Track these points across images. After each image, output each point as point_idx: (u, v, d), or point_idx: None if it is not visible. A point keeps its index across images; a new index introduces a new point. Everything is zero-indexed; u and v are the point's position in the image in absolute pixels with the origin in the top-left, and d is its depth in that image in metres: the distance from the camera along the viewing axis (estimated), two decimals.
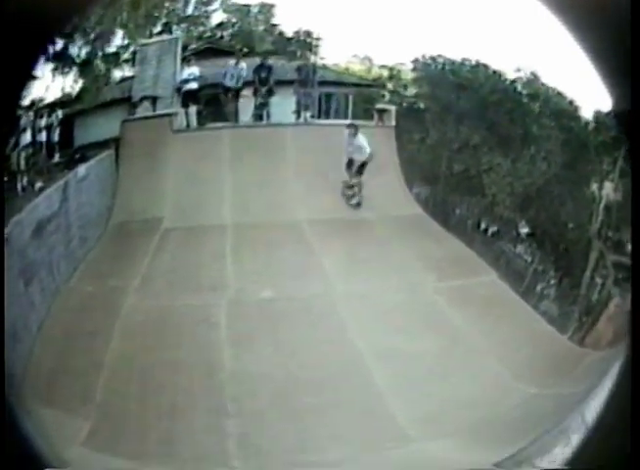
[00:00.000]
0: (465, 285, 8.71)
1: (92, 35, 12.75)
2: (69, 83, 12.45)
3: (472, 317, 8.40)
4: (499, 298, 9.16)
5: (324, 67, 13.23)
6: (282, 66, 13.00)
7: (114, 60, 13.25)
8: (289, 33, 14.54)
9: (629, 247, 10.19)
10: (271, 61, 12.95)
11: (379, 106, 13.04)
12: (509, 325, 8.64)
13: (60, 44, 12.21)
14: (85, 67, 12.59)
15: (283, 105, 12.63)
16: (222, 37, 14.59)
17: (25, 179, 11.49)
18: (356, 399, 7.26)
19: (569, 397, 6.01)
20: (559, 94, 11.94)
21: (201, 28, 14.70)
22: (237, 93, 12.62)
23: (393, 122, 12.49)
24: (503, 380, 7.57)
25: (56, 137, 12.44)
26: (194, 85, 12.65)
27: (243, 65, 12.73)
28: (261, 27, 14.58)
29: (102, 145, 11.98)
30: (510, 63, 12.16)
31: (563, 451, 4.45)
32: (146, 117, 12.42)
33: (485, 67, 12.12)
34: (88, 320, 8.76)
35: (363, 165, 12.64)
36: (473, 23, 11.28)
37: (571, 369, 7.89)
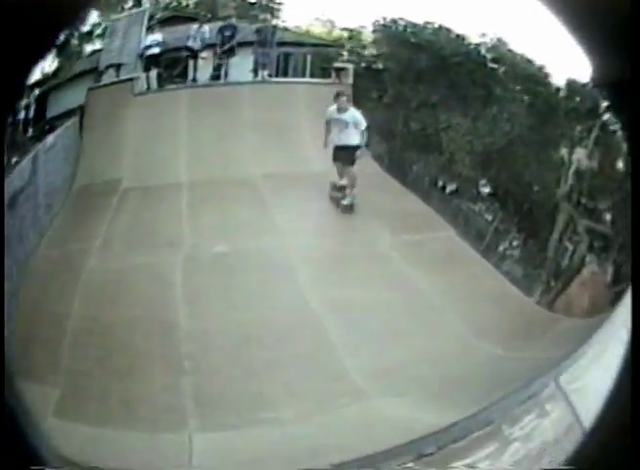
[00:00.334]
0: (422, 240, 8.60)
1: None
2: (48, 64, 12.38)
3: (429, 273, 8.30)
4: (458, 255, 9.07)
5: (285, 29, 13.01)
6: (243, 28, 12.72)
7: (87, 37, 13.13)
8: None
9: (608, 216, 10.20)
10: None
11: (336, 64, 12.63)
12: (469, 283, 8.54)
13: None
14: (63, 48, 12.47)
15: (242, 65, 12.45)
16: (187, 6, 14.36)
17: (5, 158, 11.18)
18: (310, 354, 7.20)
19: (539, 362, 5.94)
20: (528, 61, 11.80)
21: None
22: (197, 55, 12.43)
23: (351, 81, 12.21)
24: (464, 338, 7.47)
25: (31, 113, 12.15)
26: (156, 50, 12.50)
27: (205, 27, 12.65)
28: None
29: (69, 114, 11.81)
30: (475, 29, 12.06)
31: (538, 423, 4.30)
32: (109, 84, 12.26)
33: (448, 31, 11.98)
34: (54, 286, 8.66)
35: (356, 149, 10.83)
36: None
37: (540, 334, 7.81)
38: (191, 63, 12.63)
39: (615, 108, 2.59)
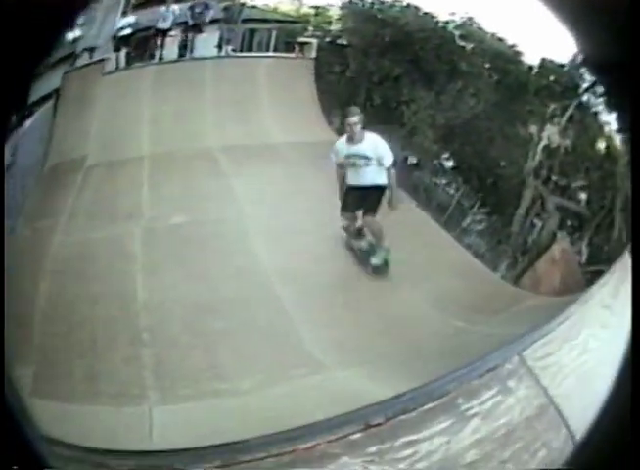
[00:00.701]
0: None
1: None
2: None
3: (387, 243, 8.20)
4: (417, 226, 8.98)
5: (253, 7, 12.88)
6: (213, 6, 12.56)
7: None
8: None
9: (583, 195, 10.11)
10: None
11: (300, 39, 12.46)
12: (428, 255, 8.47)
13: None
14: None
15: (208, 41, 12.36)
16: None
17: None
18: (266, 325, 7.14)
19: (502, 336, 5.85)
20: (499, 39, 11.72)
21: None
22: (165, 33, 12.32)
23: (314, 55, 12.02)
24: (422, 310, 7.35)
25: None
26: (127, 31, 12.46)
27: (175, 6, 12.48)
28: None
29: (46, 98, 11.65)
30: (445, 8, 12.01)
31: (501, 400, 4.17)
32: (82, 66, 12.18)
33: (417, 8, 11.86)
34: (26, 264, 8.32)
35: (381, 192, 8.40)
36: None
37: (504, 308, 7.72)
38: (159, 41, 12.50)
39: (608, 90, 2.45)
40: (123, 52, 12.51)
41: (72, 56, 12.34)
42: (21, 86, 2.74)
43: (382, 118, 11.10)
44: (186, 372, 6.60)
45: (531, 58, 11.58)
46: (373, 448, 3.91)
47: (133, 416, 6.18)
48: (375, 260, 8.23)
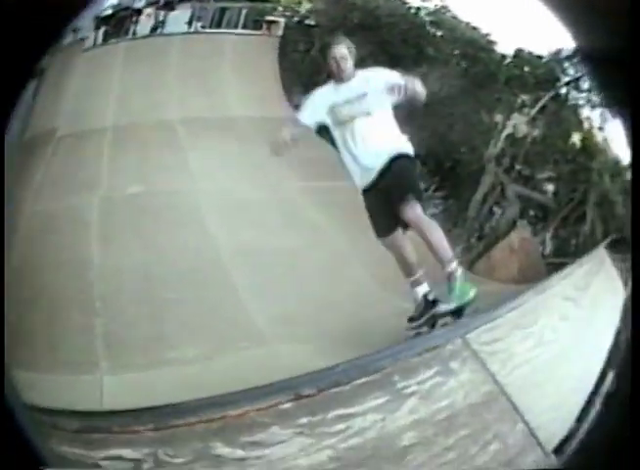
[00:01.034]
0: (332, 188, 8.36)
1: None
2: None
3: (337, 221, 8.11)
4: None
5: None
6: None
7: None
8: None
9: (550, 186, 10.07)
10: None
11: (268, 17, 12.35)
12: None
13: None
14: None
15: (180, 19, 12.37)
16: None
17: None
18: (214, 296, 7.07)
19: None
20: (473, 28, 11.65)
21: None
22: (140, 11, 12.37)
23: (280, 33, 11.97)
24: (369, 289, 7.30)
25: None
26: (109, 11, 12.44)
27: None
28: None
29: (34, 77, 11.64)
30: None
31: (442, 381, 4.28)
32: (65, 46, 12.18)
33: None
34: (6, 238, 8.37)
35: (412, 161, 6.30)
36: None
37: None
38: (134, 19, 12.50)
39: (606, 87, 2.41)
40: (102, 30, 12.43)
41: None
42: (20, 86, 2.66)
43: None
44: (135, 341, 6.55)
45: (509, 48, 11.50)
46: (304, 420, 3.81)
47: (86, 384, 6.12)
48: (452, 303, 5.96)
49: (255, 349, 6.28)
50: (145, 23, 12.49)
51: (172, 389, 5.47)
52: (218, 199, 8.56)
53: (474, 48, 11.59)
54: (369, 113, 6.28)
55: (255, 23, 12.60)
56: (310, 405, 3.88)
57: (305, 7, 12.32)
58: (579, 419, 4.81)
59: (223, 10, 12.75)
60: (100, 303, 7.15)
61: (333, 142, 6.56)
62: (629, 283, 4.72)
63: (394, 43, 11.24)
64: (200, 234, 7.86)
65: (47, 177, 9.28)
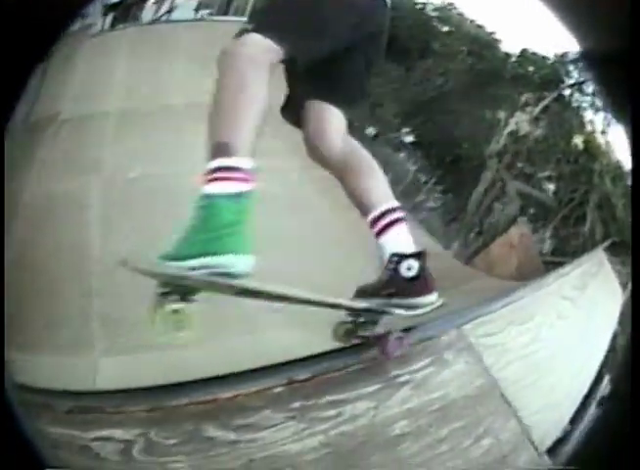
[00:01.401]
0: (332, 176, 8.30)
1: None
2: None
3: (338, 209, 8.01)
4: None
5: None
6: None
7: None
8: None
9: (551, 185, 10.04)
10: None
11: None
12: None
13: None
14: None
15: (187, 6, 12.52)
16: None
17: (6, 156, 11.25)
18: None
19: (445, 311, 5.69)
20: (478, 26, 11.65)
21: None
22: None
23: None
24: (367, 277, 7.23)
25: None
26: None
27: None
28: None
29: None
30: None
31: (435, 371, 4.36)
32: (74, 31, 12.19)
33: None
34: (6, 220, 8.30)
35: None
36: None
37: (452, 285, 7.59)
38: (142, 6, 12.71)
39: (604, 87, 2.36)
40: (110, 16, 12.55)
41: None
42: (20, 85, 2.61)
43: None
44: (130, 324, 6.35)
45: (514, 47, 11.54)
46: (296, 404, 3.84)
47: (81, 366, 6.08)
48: None
49: (249, 333, 6.28)
50: (152, 10, 12.61)
51: (165, 371, 5.41)
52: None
53: (479, 45, 11.62)
54: None
55: None
56: (303, 390, 3.91)
57: None
58: (573, 421, 4.81)
59: None
60: (98, 284, 7.09)
61: None
62: (628, 286, 4.70)
63: (401, 37, 11.19)
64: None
65: (48, 160, 9.23)
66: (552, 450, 4.37)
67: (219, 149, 3.68)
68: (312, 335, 5.66)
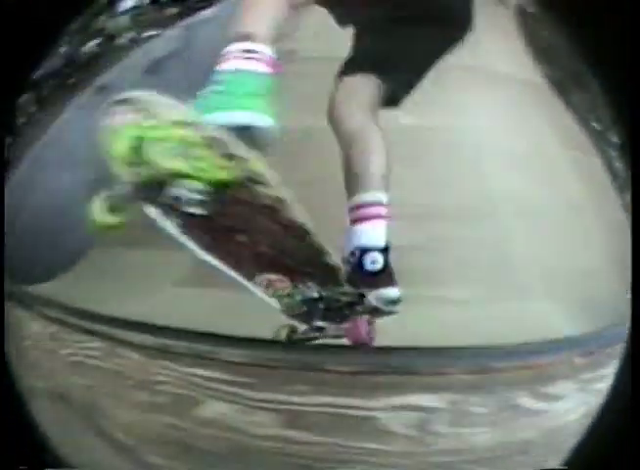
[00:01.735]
0: (589, 162, 8.55)
1: None
2: None
3: (594, 195, 8.00)
4: None
5: None
6: None
7: None
8: None
9: None
10: None
11: None
12: None
13: None
14: None
15: None
16: None
17: (130, 34, 11.46)
18: (488, 239, 6.90)
19: None
20: None
21: None
22: None
23: None
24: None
25: None
26: None
27: None
28: None
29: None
30: None
31: None
32: None
33: None
34: None
35: None
36: None
37: None
38: None
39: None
40: None
41: None
42: (20, 85, 2.62)
43: None
44: (411, 273, 5.67)
45: None
46: (587, 375, 3.76)
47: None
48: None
49: (519, 301, 6.10)
50: None
51: (441, 326, 5.44)
52: (492, 140, 7.97)
53: None
54: None
55: None
56: (591, 363, 3.81)
57: None
58: None
59: None
60: None
61: None
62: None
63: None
64: (477, 174, 7.46)
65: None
66: None
67: (239, 37, 3.70)
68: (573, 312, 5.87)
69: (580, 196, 7.89)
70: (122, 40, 11.43)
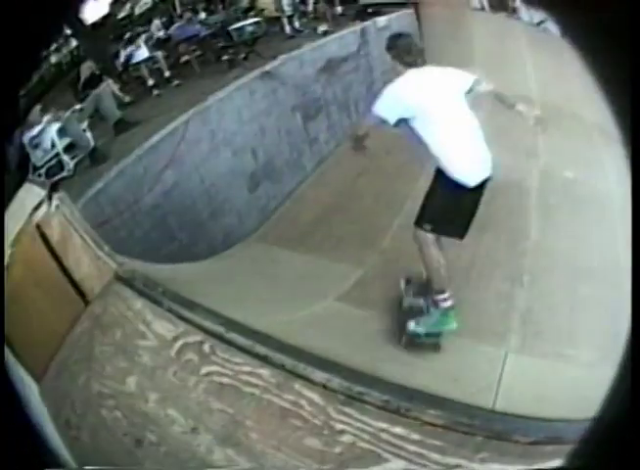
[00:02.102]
0: None
1: None
2: None
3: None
4: None
5: None
6: None
7: None
8: None
9: None
10: None
11: None
12: None
13: None
14: None
15: None
16: None
17: (297, 23, 13.00)
18: (615, 302, 6.91)
19: None
20: None
21: None
22: None
23: None
24: None
25: None
26: None
27: None
28: None
29: (394, 5, 12.66)
30: None
31: None
32: None
33: None
34: None
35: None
36: None
37: None
38: None
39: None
40: None
41: None
42: (20, 85, 2.67)
43: None
44: (550, 329, 6.41)
45: None
46: None
47: (487, 355, 6.15)
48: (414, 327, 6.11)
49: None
50: None
51: (569, 389, 5.37)
52: (622, 204, 7.87)
53: None
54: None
55: None
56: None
57: None
58: None
59: None
60: (528, 276, 7.25)
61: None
62: None
63: None
64: (611, 236, 7.15)
65: None
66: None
67: None
68: None
69: None
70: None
